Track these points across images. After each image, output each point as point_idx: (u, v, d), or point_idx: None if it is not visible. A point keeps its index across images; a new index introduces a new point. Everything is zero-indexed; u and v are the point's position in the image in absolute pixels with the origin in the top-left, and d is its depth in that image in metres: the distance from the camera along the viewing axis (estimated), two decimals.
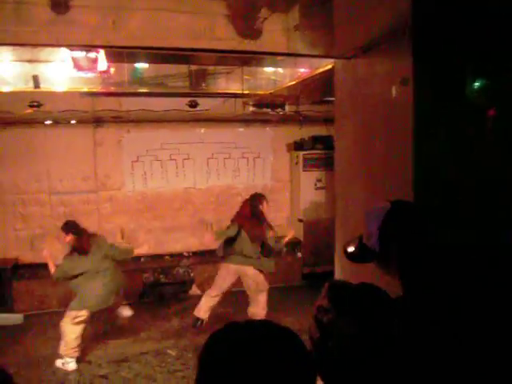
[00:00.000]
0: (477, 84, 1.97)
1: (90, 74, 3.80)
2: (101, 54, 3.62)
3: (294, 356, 0.95)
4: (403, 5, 2.00)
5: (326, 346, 1.18)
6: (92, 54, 3.54)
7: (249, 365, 0.90)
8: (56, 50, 4.18)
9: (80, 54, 3.51)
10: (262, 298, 5.54)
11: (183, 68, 5.90)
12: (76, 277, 4.95)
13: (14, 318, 6.08)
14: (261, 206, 5.36)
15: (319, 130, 7.67)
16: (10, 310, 6.23)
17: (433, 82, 2.02)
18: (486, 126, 2.02)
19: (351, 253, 1.76)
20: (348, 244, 1.79)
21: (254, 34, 4.52)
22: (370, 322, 1.17)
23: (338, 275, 2.96)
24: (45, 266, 6.30)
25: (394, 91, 2.11)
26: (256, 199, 5.43)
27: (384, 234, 1.63)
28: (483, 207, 2.07)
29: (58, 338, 5.47)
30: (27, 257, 6.92)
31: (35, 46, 3.78)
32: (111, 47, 3.71)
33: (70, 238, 4.99)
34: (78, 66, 3.61)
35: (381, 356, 1.15)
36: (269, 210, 5.49)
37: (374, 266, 2.09)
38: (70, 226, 5.06)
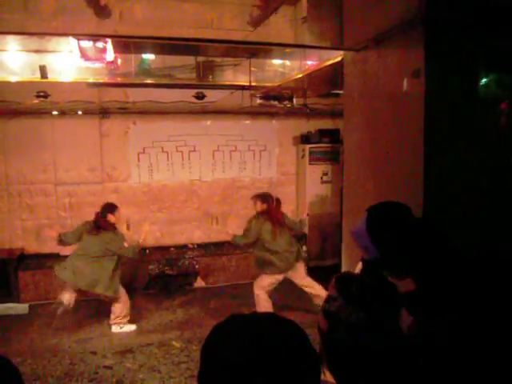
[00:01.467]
0: (490, 77, 1.94)
1: (97, 65, 3.78)
2: (109, 44, 3.60)
3: (298, 348, 0.94)
4: None
5: (334, 335, 1.19)
6: (100, 44, 3.51)
7: (252, 356, 0.89)
8: (63, 40, 4.17)
9: (88, 44, 3.48)
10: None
11: (190, 59, 5.86)
12: None
13: (20, 308, 6.13)
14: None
15: (326, 124, 7.64)
16: (16, 300, 6.27)
17: (445, 75, 1.98)
18: (499, 119, 1.99)
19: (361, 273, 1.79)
20: (354, 269, 1.86)
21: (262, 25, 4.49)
22: (376, 309, 1.18)
23: (345, 269, 2.94)
24: (51, 256, 6.37)
25: (405, 84, 2.08)
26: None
27: (376, 239, 1.67)
28: (497, 203, 2.04)
29: (63, 327, 5.52)
30: (33, 247, 6.95)
31: (42, 35, 3.76)
32: (119, 37, 3.69)
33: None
34: (85, 56, 3.59)
35: (386, 343, 1.15)
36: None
37: None
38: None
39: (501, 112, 1.97)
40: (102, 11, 3.69)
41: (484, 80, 1.94)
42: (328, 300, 1.25)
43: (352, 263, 2.81)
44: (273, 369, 0.88)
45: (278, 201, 5.60)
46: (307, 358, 0.94)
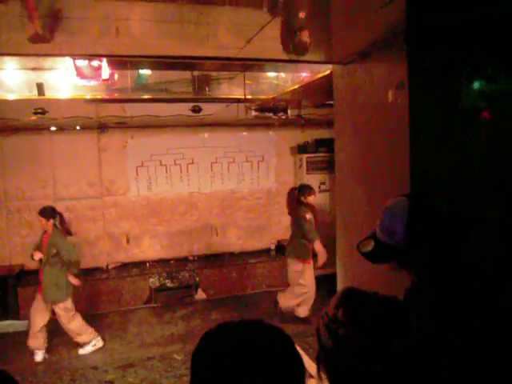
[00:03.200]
0: (471, 87, 1.99)
1: (92, 82, 3.84)
2: (104, 63, 3.66)
3: (284, 355, 0.97)
4: (398, 11, 2.02)
5: (339, 358, 1.17)
6: (95, 63, 3.58)
7: (240, 364, 0.91)
8: (60, 58, 4.23)
9: (83, 63, 3.55)
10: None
11: (186, 74, 5.92)
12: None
13: (19, 325, 6.13)
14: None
15: (322, 133, 7.70)
16: (16, 317, 6.28)
17: (428, 86, 2.03)
18: (480, 128, 2.04)
19: (369, 252, 1.71)
20: (362, 244, 1.74)
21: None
22: (387, 343, 1.15)
23: (340, 278, 2.97)
24: None
25: (390, 95, 2.13)
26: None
27: (413, 230, 1.59)
28: (480, 212, 2.08)
29: (62, 344, 5.53)
30: (33, 263, 6.94)
31: (38, 56, 3.83)
32: (114, 56, 3.75)
33: (52, 221, 5.24)
34: (81, 74, 3.65)
35: (396, 376, 1.14)
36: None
37: (376, 267, 2.11)
38: (52, 210, 5.33)
39: (482, 120, 2.03)
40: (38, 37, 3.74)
41: (466, 90, 1.99)
42: (334, 320, 1.19)
43: (347, 273, 2.85)
44: (260, 376, 0.91)
45: None
46: (294, 365, 0.97)
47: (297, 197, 5.78)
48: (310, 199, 5.78)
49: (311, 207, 5.82)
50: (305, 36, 3.35)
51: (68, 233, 5.41)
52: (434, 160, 2.03)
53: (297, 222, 5.76)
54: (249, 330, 1.01)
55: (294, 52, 3.47)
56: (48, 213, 5.26)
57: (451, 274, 1.57)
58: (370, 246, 1.71)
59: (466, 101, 1.98)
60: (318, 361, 1.24)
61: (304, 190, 5.81)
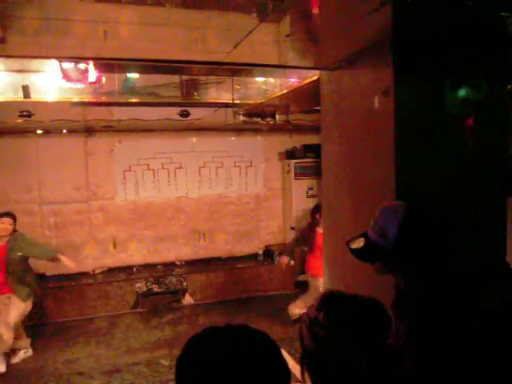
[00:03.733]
0: (456, 94, 2.02)
1: (79, 85, 3.81)
2: (90, 66, 3.64)
3: (269, 360, 0.97)
4: (384, 19, 2.04)
5: (322, 359, 1.19)
6: (81, 66, 3.56)
7: (225, 370, 0.91)
8: (46, 60, 4.20)
9: (69, 66, 3.53)
10: None
11: (175, 78, 5.92)
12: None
13: None
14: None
15: (310, 139, 7.73)
16: None
17: (413, 93, 2.05)
18: (465, 134, 2.07)
19: (358, 250, 1.73)
20: (353, 241, 1.76)
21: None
22: (367, 343, 1.17)
23: (327, 281, 2.98)
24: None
25: (376, 102, 2.15)
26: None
27: (405, 235, 1.62)
28: (463, 216, 2.11)
29: (48, 349, 5.47)
30: None
31: (24, 58, 3.80)
32: (101, 59, 3.73)
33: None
34: (67, 77, 3.63)
35: (376, 369, 1.16)
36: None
37: (361, 270, 2.13)
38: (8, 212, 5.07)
39: (467, 127, 2.05)
40: None
41: (450, 96, 2.01)
42: (315, 322, 1.22)
43: (333, 277, 2.85)
44: (245, 382, 0.91)
45: None
46: (279, 370, 0.97)
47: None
48: None
49: None
50: (296, 40, 3.38)
51: None
52: (420, 167, 2.05)
53: None
54: (234, 336, 1.01)
55: (285, 56, 3.50)
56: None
57: (434, 284, 1.59)
58: (360, 244, 1.73)
59: (450, 107, 2.01)
60: (302, 363, 1.25)
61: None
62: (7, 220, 4.93)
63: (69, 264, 5.12)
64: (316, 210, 5.65)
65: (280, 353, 1.00)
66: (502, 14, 1.86)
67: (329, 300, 1.29)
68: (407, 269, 1.65)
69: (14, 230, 5.01)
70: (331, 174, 2.75)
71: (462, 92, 1.98)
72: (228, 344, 0.97)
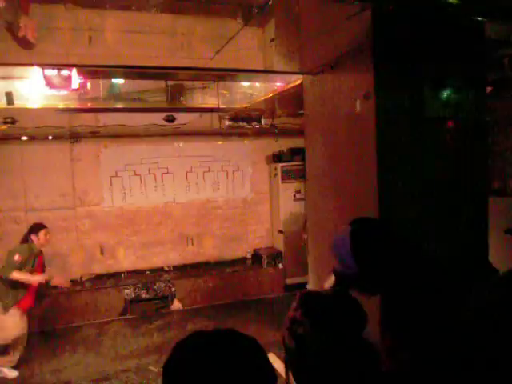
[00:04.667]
0: (436, 97, 2.05)
1: (62, 92, 3.79)
2: (73, 72, 3.62)
3: (257, 364, 0.98)
4: (364, 24, 2.07)
5: (302, 356, 1.21)
6: (64, 72, 3.54)
7: (211, 375, 0.92)
8: (29, 67, 4.18)
9: (52, 72, 3.50)
10: None
11: (160, 83, 5.92)
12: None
13: None
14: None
15: (297, 142, 7.74)
16: None
17: (394, 96, 2.08)
18: (445, 135, 2.10)
19: (332, 288, 1.76)
20: (326, 285, 1.80)
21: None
22: (341, 335, 1.20)
23: (313, 283, 2.99)
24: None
25: (358, 105, 2.18)
26: None
27: (358, 251, 1.65)
28: (445, 217, 2.13)
29: (35, 358, 5.41)
30: None
31: (6, 65, 3.78)
32: (85, 66, 3.72)
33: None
34: (50, 84, 3.60)
35: (351, 367, 1.18)
36: None
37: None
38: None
39: (447, 129, 2.08)
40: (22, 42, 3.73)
41: (430, 100, 2.04)
42: (294, 321, 1.25)
43: (318, 278, 2.87)
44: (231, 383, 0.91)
45: None
46: (265, 374, 0.98)
47: None
48: None
49: None
50: (280, 44, 3.41)
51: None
52: (401, 168, 2.08)
53: None
54: (220, 340, 1.01)
55: (270, 60, 3.52)
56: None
57: (411, 290, 1.61)
58: (329, 283, 1.78)
59: (430, 110, 2.04)
60: (286, 364, 1.27)
61: None
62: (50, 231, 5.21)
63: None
64: None
65: (266, 356, 1.01)
66: (479, 18, 1.90)
67: (306, 299, 1.32)
68: (381, 287, 1.68)
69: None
70: (315, 178, 2.77)
71: (441, 95, 2.01)
72: (214, 348, 0.98)
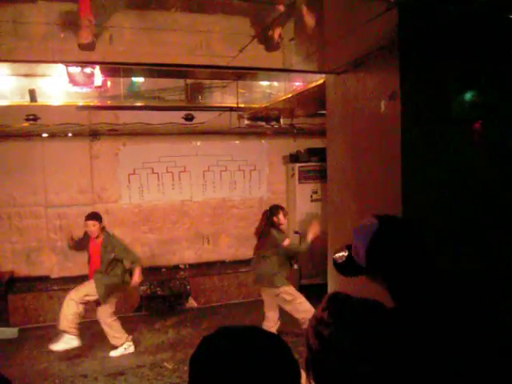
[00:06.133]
0: (463, 98, 2.02)
1: (85, 89, 3.84)
2: (97, 70, 3.66)
3: (281, 360, 0.98)
4: (391, 22, 2.05)
5: (325, 358, 1.19)
6: (88, 70, 3.58)
7: (239, 369, 0.92)
8: (52, 64, 4.23)
9: (76, 70, 3.55)
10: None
11: (179, 82, 5.94)
12: None
13: (9, 332, 6.06)
14: (274, 218, 5.40)
15: (315, 143, 7.73)
16: (6, 324, 6.21)
17: (420, 97, 2.06)
18: (472, 138, 2.07)
19: (339, 264, 1.75)
20: (337, 253, 1.77)
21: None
22: (369, 340, 1.17)
23: (332, 287, 2.98)
24: (41, 279, 6.36)
25: (382, 106, 2.15)
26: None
27: (371, 253, 1.61)
28: (473, 223, 2.10)
29: (53, 351, 5.47)
30: (23, 270, 6.91)
31: (31, 62, 3.83)
32: (107, 63, 3.76)
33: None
34: (73, 81, 3.65)
35: (378, 374, 1.16)
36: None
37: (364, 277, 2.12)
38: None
39: (474, 131, 2.05)
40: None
41: (457, 101, 2.02)
42: (320, 322, 1.23)
43: (338, 281, 2.85)
44: (258, 380, 0.92)
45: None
46: (291, 371, 0.98)
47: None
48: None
49: None
50: (300, 44, 3.40)
51: None
52: (427, 171, 2.05)
53: None
54: (248, 336, 1.02)
55: (290, 60, 3.52)
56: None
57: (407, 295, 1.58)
58: (342, 258, 1.74)
59: (458, 111, 2.01)
60: (307, 364, 1.26)
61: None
62: (91, 223, 5.40)
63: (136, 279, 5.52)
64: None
65: (292, 354, 1.01)
66: (510, 15, 1.87)
67: (334, 300, 1.30)
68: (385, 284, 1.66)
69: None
70: (336, 179, 2.75)
71: (469, 95, 1.98)
72: (241, 343, 0.98)
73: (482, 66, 2.05)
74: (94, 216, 5.48)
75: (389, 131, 2.14)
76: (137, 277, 5.49)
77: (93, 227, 5.38)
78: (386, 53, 2.12)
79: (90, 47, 4.06)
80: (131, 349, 5.56)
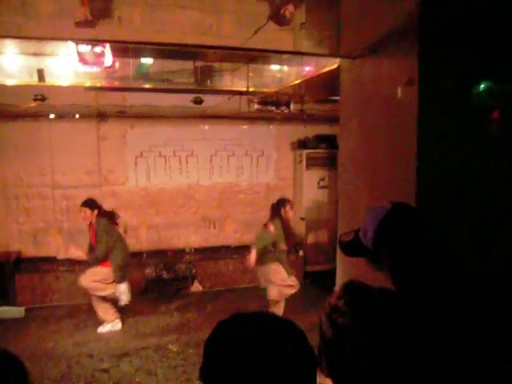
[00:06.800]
0: (482, 86, 1.97)
1: (95, 69, 3.79)
2: (107, 49, 3.61)
3: (297, 347, 0.97)
4: (410, 6, 2.00)
5: (339, 347, 1.18)
6: (98, 49, 3.54)
7: (253, 353, 0.91)
8: (61, 43, 4.18)
9: (86, 49, 3.51)
10: None
11: (189, 64, 5.88)
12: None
13: (16, 312, 6.11)
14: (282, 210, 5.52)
15: (323, 129, 7.68)
16: (13, 304, 6.26)
17: (438, 83, 2.01)
18: (490, 127, 2.02)
19: (345, 244, 1.76)
20: (344, 235, 1.78)
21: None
22: (384, 332, 1.16)
23: (340, 274, 2.96)
24: (47, 259, 6.41)
25: (399, 92, 2.11)
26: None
27: (379, 235, 1.62)
28: (488, 215, 2.06)
29: (59, 331, 5.54)
30: (30, 250, 6.95)
31: (41, 39, 3.78)
32: (117, 42, 3.70)
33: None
34: (83, 60, 3.61)
35: (393, 363, 1.15)
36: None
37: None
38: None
39: (492, 120, 2.00)
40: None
41: (476, 89, 1.97)
42: (335, 310, 1.22)
43: (346, 268, 2.84)
44: (273, 365, 0.90)
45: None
46: (308, 357, 0.97)
47: None
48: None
49: None
50: (312, 28, 3.34)
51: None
52: (442, 160, 2.01)
53: None
54: (264, 322, 1.01)
55: (300, 44, 3.46)
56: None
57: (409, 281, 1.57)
58: (348, 238, 1.75)
59: (476, 99, 1.96)
60: (319, 351, 1.25)
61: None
62: (82, 209, 5.46)
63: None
64: None
65: (308, 341, 1.00)
66: None
67: (350, 288, 1.28)
68: (383, 269, 1.66)
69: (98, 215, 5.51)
70: (348, 164, 2.71)
71: (488, 83, 1.93)
72: (257, 329, 0.97)
73: (504, 53, 2.00)
74: (86, 203, 5.50)
75: (404, 118, 2.10)
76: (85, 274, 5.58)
77: (83, 214, 5.45)
78: (405, 37, 2.07)
79: (87, 24, 4.00)
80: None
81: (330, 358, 1.21)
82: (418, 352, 1.21)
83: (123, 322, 5.83)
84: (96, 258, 5.45)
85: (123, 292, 5.69)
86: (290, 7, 3.77)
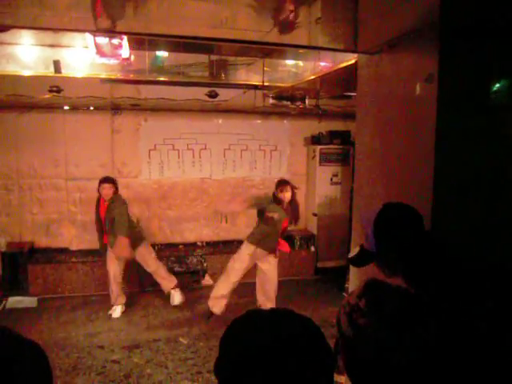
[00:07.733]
0: (503, 84, 1.92)
1: (112, 61, 3.79)
2: (124, 41, 3.61)
3: (314, 344, 0.96)
4: (432, 2, 1.95)
5: (360, 347, 1.16)
6: (115, 41, 3.53)
7: (269, 348, 0.90)
8: (78, 35, 4.18)
9: (103, 41, 3.50)
10: None
11: (204, 58, 5.86)
12: None
13: (29, 301, 6.19)
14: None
15: (337, 125, 7.62)
16: (25, 294, 6.34)
17: (458, 80, 1.96)
18: (509, 126, 1.97)
19: (351, 258, 1.87)
20: (351, 253, 1.89)
21: (284, 26, 4.49)
22: (408, 335, 1.13)
23: (353, 272, 2.94)
24: (60, 250, 6.47)
25: (418, 88, 2.07)
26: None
27: (378, 233, 1.70)
28: (506, 210, 2.02)
29: (71, 321, 5.59)
30: (43, 241, 7.02)
31: (58, 30, 3.78)
32: (133, 34, 3.68)
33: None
34: (101, 52, 3.60)
35: (417, 364, 1.12)
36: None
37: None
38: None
39: None
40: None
41: (497, 87, 1.92)
42: (355, 309, 1.19)
43: (360, 270, 2.81)
44: (289, 362, 0.90)
45: None
46: (325, 355, 0.96)
47: None
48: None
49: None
50: (328, 23, 3.30)
51: None
52: (460, 160, 1.97)
53: None
54: (281, 318, 1.00)
55: (316, 39, 3.42)
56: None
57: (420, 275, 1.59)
58: (353, 253, 1.85)
59: (496, 97, 1.92)
60: (336, 350, 1.23)
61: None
62: (107, 185, 5.68)
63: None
64: None
65: (325, 339, 0.98)
66: None
67: (371, 288, 1.25)
68: (391, 269, 1.72)
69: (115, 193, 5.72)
70: (365, 162, 2.68)
71: (509, 82, 1.88)
72: (273, 326, 0.96)
73: None
74: (111, 180, 5.74)
75: (423, 115, 2.06)
76: (116, 248, 5.60)
77: (109, 190, 5.63)
78: (425, 33, 2.03)
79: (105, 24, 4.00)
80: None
81: (350, 357, 1.20)
82: (442, 353, 1.18)
83: (134, 314, 5.87)
84: (122, 226, 5.52)
85: (176, 294, 6.06)
86: (290, 6, 3.72)
